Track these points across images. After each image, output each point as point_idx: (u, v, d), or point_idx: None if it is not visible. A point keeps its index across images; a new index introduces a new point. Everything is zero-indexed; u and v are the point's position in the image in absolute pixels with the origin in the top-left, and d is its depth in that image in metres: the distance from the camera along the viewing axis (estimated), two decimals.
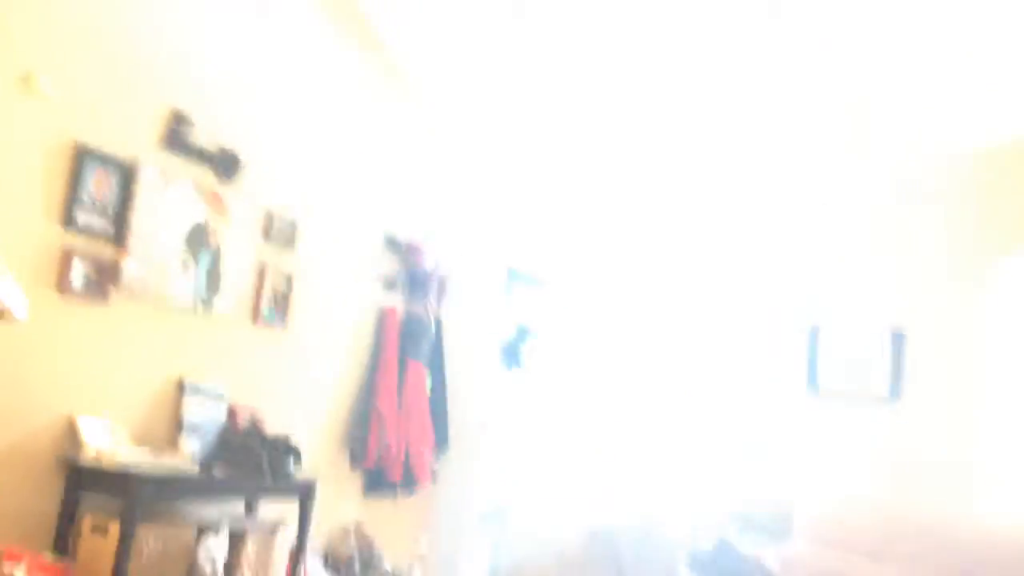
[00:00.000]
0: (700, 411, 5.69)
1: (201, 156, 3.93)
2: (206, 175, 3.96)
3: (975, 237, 5.06)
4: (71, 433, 3.34)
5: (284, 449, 3.84)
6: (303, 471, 4.06)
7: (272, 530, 3.97)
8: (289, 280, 4.43)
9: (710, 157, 5.60)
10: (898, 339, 5.18)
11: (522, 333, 5.95)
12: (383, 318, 5.06)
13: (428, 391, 5.28)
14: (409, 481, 5.08)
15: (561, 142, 5.76)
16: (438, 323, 5.39)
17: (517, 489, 3.09)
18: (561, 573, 2.63)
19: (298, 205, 4.48)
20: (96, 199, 3.46)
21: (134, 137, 3.61)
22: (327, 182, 4.68)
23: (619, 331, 6.12)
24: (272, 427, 4.11)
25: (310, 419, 4.62)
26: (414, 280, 5.31)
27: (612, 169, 6.00)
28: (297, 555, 4.02)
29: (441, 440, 5.33)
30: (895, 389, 5.12)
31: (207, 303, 3.95)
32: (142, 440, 3.63)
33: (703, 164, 5.71)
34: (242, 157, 4.11)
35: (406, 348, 5.13)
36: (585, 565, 2.51)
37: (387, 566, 4.71)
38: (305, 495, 4.05)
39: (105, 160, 3.48)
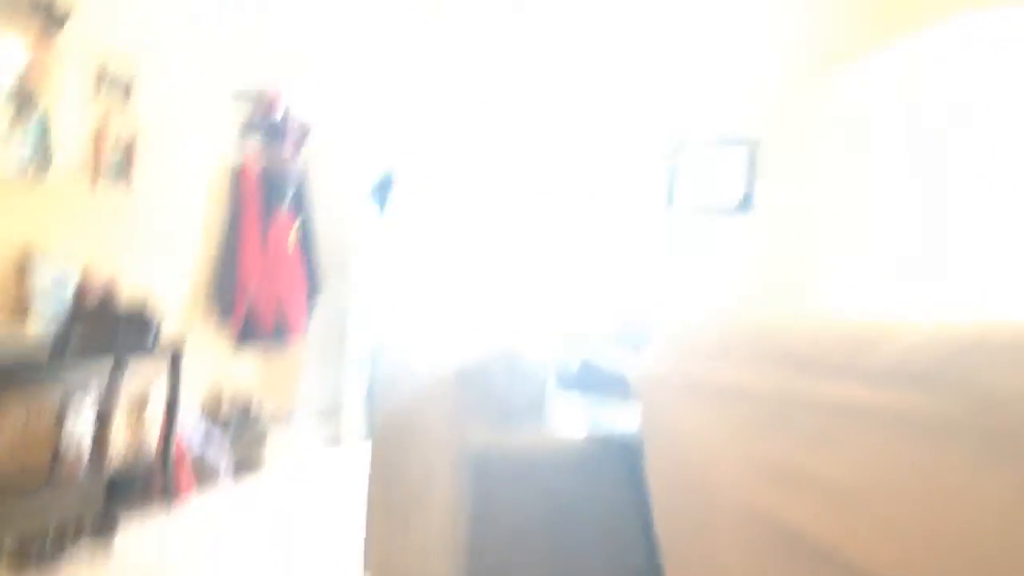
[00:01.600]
0: (562, 238, 5.81)
1: (18, 5, 3.60)
2: (27, 23, 3.64)
3: (823, 46, 5.15)
4: None
5: (139, 322, 3.76)
6: (169, 333, 4.01)
7: (141, 394, 3.94)
8: (132, 136, 4.21)
9: None
10: (750, 150, 5.33)
11: (388, 175, 5.87)
12: (240, 169, 4.90)
13: (296, 239, 5.22)
14: (282, 331, 5.09)
15: None
16: (302, 170, 5.26)
17: (389, 331, 3.15)
18: (435, 409, 2.71)
19: (137, 54, 4.20)
20: None
21: None
22: (169, 27, 4.38)
23: (482, 164, 6.11)
24: (130, 291, 4.01)
25: (172, 279, 4.52)
26: (272, 128, 5.12)
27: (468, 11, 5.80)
28: (169, 417, 4.02)
29: (312, 287, 5.32)
30: (747, 200, 5.33)
31: (40, 167, 3.73)
32: None
33: None
34: (65, 6, 3.79)
35: (268, 198, 5.02)
36: (457, 398, 2.59)
37: (266, 417, 4.78)
38: (172, 357, 4.01)
39: None
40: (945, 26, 4.55)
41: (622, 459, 2.36)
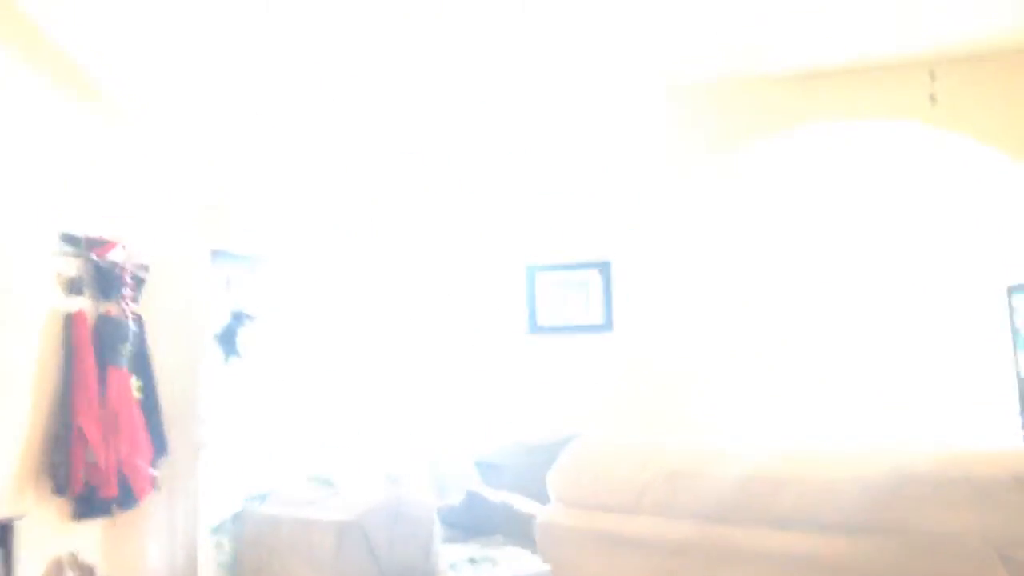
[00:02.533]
0: (426, 370, 5.71)
1: None
2: None
3: (668, 165, 5.39)
4: None
5: None
6: None
7: None
8: None
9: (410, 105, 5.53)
10: (605, 271, 5.46)
11: (238, 318, 5.60)
12: (70, 325, 4.53)
13: (137, 396, 4.84)
14: (127, 496, 4.64)
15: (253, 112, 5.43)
16: (138, 321, 4.93)
17: (254, 489, 2.90)
18: (309, 569, 2.49)
19: None
20: None
21: None
22: None
23: (337, 301, 5.97)
24: None
25: None
26: (103, 277, 4.80)
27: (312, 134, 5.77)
28: None
29: (158, 446, 4.91)
30: (607, 320, 5.42)
31: None
32: None
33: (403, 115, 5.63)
34: None
35: (103, 353, 4.64)
36: (334, 557, 2.38)
37: None
38: (3, 537, 3.57)
39: None
40: (785, 141, 4.87)
41: None
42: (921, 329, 4.87)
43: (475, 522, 3.45)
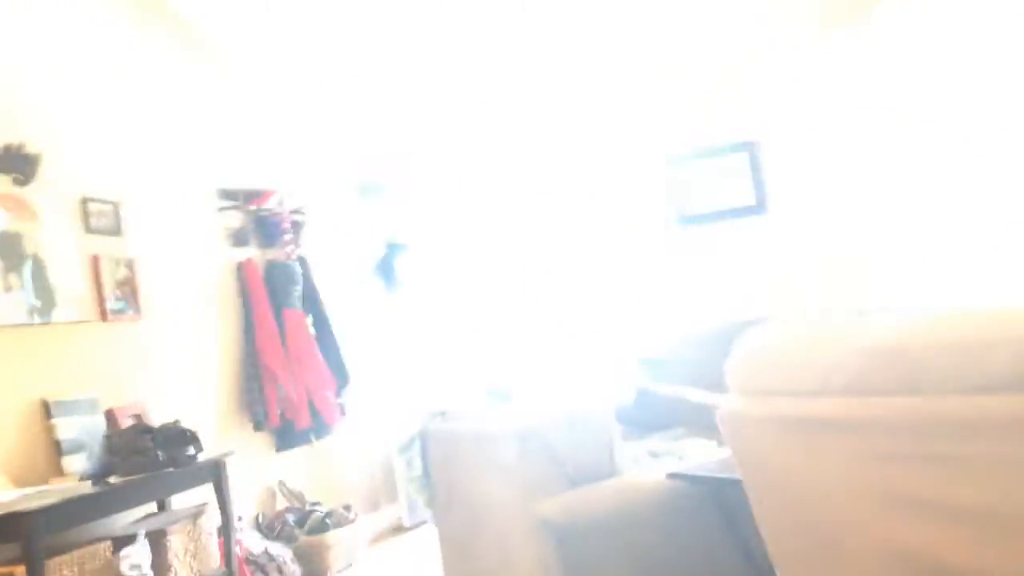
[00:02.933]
0: (582, 270, 5.71)
1: None
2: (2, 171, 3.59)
3: (799, 30, 5.05)
4: None
5: (177, 436, 3.66)
6: (208, 450, 3.90)
7: (193, 517, 3.82)
8: (129, 265, 4.13)
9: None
10: (752, 152, 5.23)
11: (393, 249, 5.79)
12: (243, 274, 4.82)
13: (313, 333, 5.12)
14: (320, 425, 4.97)
15: (397, 46, 5.46)
16: (303, 262, 5.18)
17: (435, 406, 3.05)
18: (499, 478, 2.59)
19: (116, 185, 4.14)
20: None
21: None
22: (140, 152, 4.33)
23: (489, 215, 6.03)
24: (160, 418, 3.90)
25: (199, 397, 4.42)
26: (264, 225, 5.06)
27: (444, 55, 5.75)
28: (226, 533, 3.90)
29: (341, 376, 5.21)
30: (760, 202, 5.21)
31: (44, 313, 3.64)
32: (22, 475, 3.38)
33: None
34: (35, 150, 3.74)
35: (276, 296, 4.92)
36: (521, 466, 2.46)
37: (322, 510, 4.65)
38: (216, 473, 3.90)
39: None
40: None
41: (707, 497, 2.23)
42: None
43: (650, 418, 3.48)
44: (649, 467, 2.74)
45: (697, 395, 3.06)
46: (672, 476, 2.28)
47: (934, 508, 1.29)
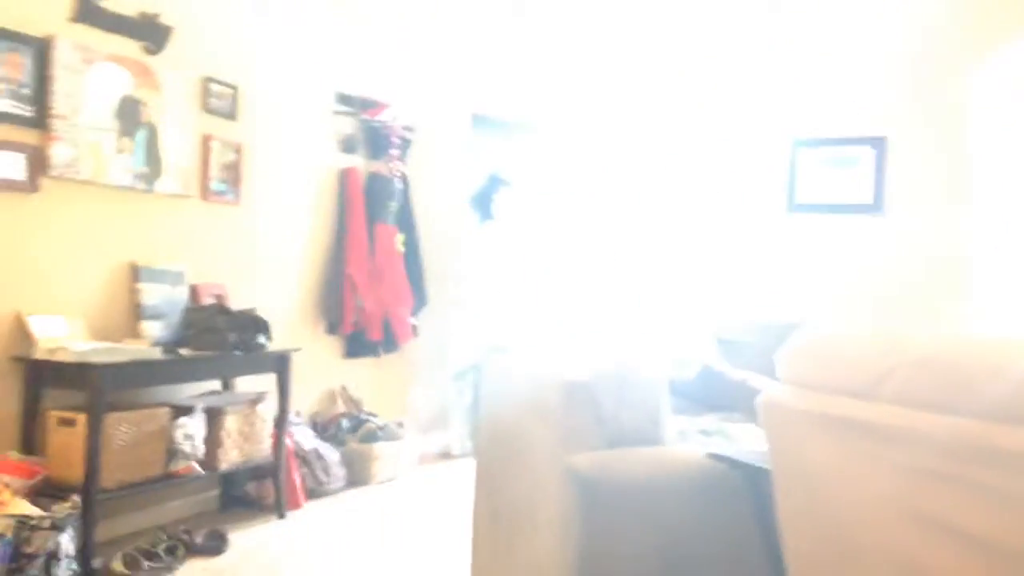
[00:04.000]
0: (677, 239, 5.59)
1: (120, 25, 3.68)
2: (129, 46, 3.71)
3: (952, 38, 4.77)
4: (22, 332, 3.25)
5: (251, 323, 3.78)
6: (277, 342, 4.02)
7: (252, 403, 3.95)
8: (237, 150, 4.25)
9: None
10: (880, 147, 4.97)
11: (493, 182, 5.77)
12: (344, 180, 4.89)
13: (401, 250, 5.18)
14: (390, 340, 5.05)
15: None
16: (404, 180, 5.22)
17: (495, 341, 3.07)
18: (541, 426, 2.58)
19: (238, 70, 4.23)
20: (10, 83, 3.24)
21: (43, 12, 3.36)
22: (267, 42, 4.41)
23: (593, 166, 5.94)
24: (239, 303, 4.03)
25: (280, 290, 4.54)
26: (374, 137, 5.10)
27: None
28: (280, 423, 4.03)
29: (419, 297, 5.27)
30: (878, 200, 4.98)
31: (149, 182, 3.78)
32: (102, 331, 3.55)
33: None
34: (168, 22, 3.84)
35: (372, 209, 4.99)
36: (565, 416, 2.45)
37: (376, 422, 4.75)
38: (281, 366, 4.01)
39: (13, 39, 3.25)
40: None
41: (745, 484, 2.17)
42: None
43: (710, 396, 3.40)
44: (695, 443, 2.68)
45: (761, 382, 2.96)
46: (711, 456, 2.22)
47: (957, 533, 1.21)
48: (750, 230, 5.31)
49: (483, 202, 5.72)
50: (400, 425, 4.91)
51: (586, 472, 2.30)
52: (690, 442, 2.70)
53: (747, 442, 2.65)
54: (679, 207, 5.65)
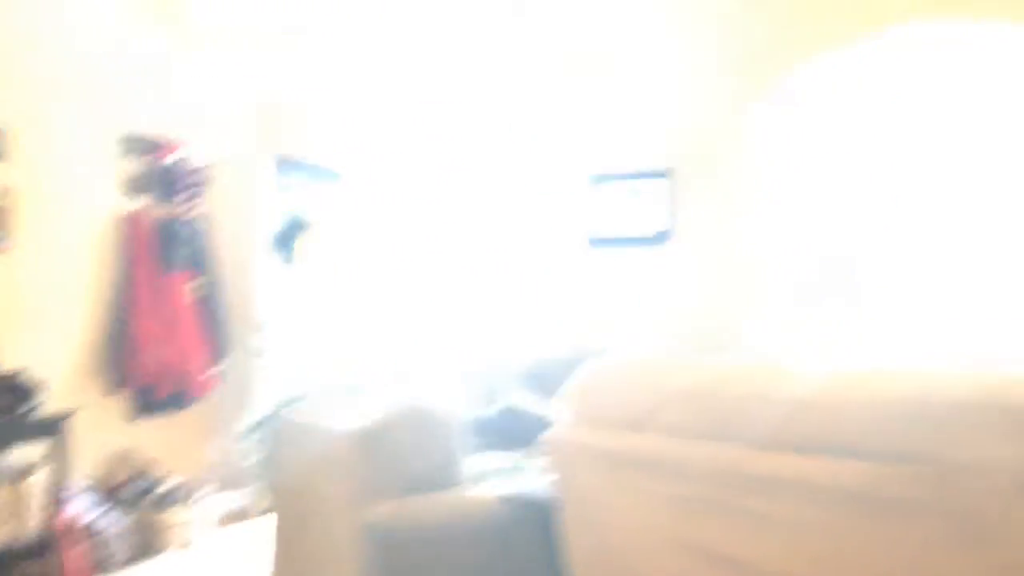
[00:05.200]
0: (486, 277, 5.61)
1: None
2: None
3: (731, 70, 5.06)
4: None
5: (11, 389, 3.42)
6: (53, 404, 3.66)
7: (21, 474, 3.57)
8: (6, 194, 3.88)
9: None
10: (667, 180, 5.19)
11: (295, 224, 5.59)
12: (131, 225, 4.57)
13: (197, 297, 4.89)
14: (183, 396, 4.72)
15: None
16: (200, 222, 4.94)
17: (290, 392, 2.91)
18: (333, 476, 2.45)
19: (5, 108, 3.88)
20: None
21: None
22: (43, 82, 4.08)
23: (395, 207, 5.89)
24: (11, 361, 3.65)
25: (58, 346, 4.16)
26: (165, 179, 4.81)
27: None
28: (57, 495, 3.66)
29: (218, 347, 4.98)
30: (670, 231, 5.18)
31: None
32: None
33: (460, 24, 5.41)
34: None
35: (163, 255, 4.68)
36: (357, 464, 2.33)
37: (169, 485, 4.42)
38: (56, 430, 3.66)
39: None
40: (872, 41, 4.50)
41: (540, 523, 2.13)
42: (992, 251, 4.48)
43: (512, 433, 3.39)
44: (492, 484, 2.63)
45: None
46: (503, 499, 2.17)
47: (723, 560, 1.22)
48: (556, 264, 5.40)
49: (285, 244, 5.52)
50: (196, 486, 4.59)
51: (380, 524, 2.20)
52: (488, 482, 2.65)
53: (544, 479, 2.63)
54: (487, 245, 5.67)
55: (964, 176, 4.54)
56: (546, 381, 4.12)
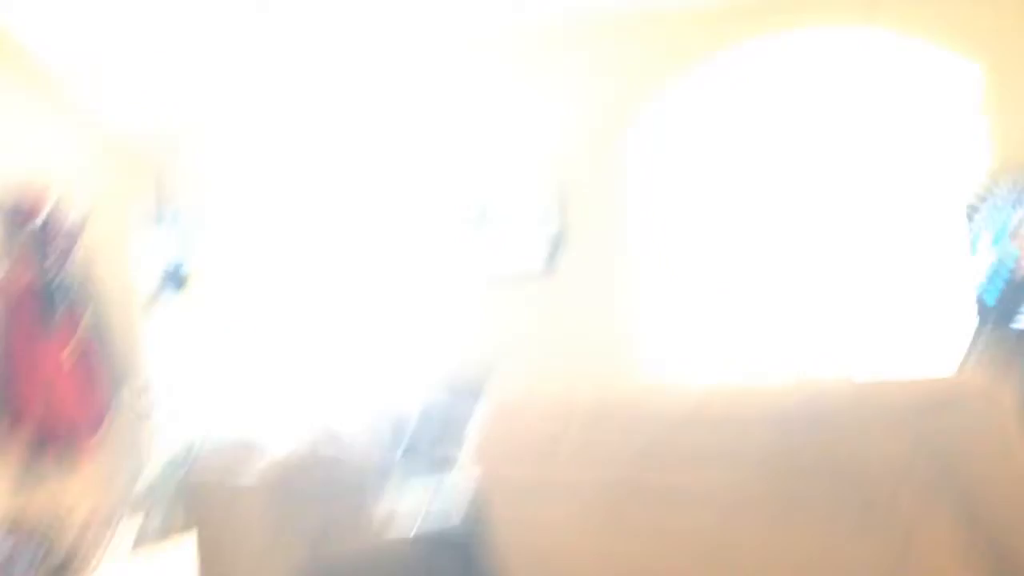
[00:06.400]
0: (367, 318, 5.57)
1: None
2: None
3: (605, 97, 5.17)
4: None
5: None
6: None
7: None
8: None
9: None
10: (552, 212, 5.23)
11: (175, 277, 5.45)
12: (2, 293, 4.37)
13: (78, 358, 4.69)
14: (72, 448, 4.53)
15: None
16: (75, 282, 4.76)
17: (187, 444, 2.82)
18: (246, 523, 2.39)
19: None
20: None
21: None
22: None
23: (280, 253, 5.79)
24: None
25: None
26: (34, 240, 4.62)
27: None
28: None
29: (102, 407, 4.80)
30: (550, 264, 5.18)
31: None
32: None
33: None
34: None
35: (41, 309, 4.50)
36: (264, 525, 2.28)
37: (65, 545, 4.22)
38: None
39: None
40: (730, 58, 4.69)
41: (459, 558, 2.13)
42: (877, 251, 4.76)
43: (415, 470, 3.39)
44: (408, 522, 2.62)
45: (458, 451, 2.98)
46: (416, 540, 2.18)
47: (631, 573, 1.29)
48: (444, 298, 5.38)
49: (166, 296, 5.38)
50: (103, 524, 4.39)
51: (298, 569, 2.16)
52: (400, 522, 2.64)
53: (459, 506, 2.63)
54: (375, 280, 5.62)
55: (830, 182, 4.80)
56: (430, 415, 4.13)
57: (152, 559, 4.51)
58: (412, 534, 2.26)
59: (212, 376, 5.53)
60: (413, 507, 2.85)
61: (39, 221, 4.62)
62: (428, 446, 3.51)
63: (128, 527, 4.83)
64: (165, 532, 2.93)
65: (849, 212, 4.81)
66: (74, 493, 4.68)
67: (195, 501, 2.67)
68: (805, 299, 4.83)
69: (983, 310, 4.16)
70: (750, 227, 4.95)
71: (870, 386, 1.12)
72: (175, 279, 5.42)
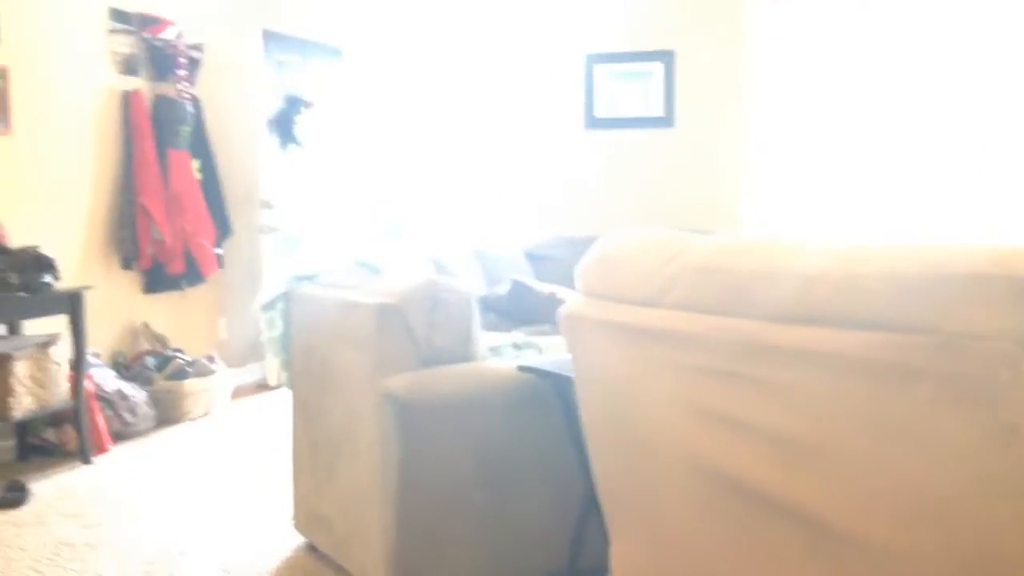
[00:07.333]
0: (481, 159, 5.62)
1: None
2: None
3: None
4: None
5: (33, 261, 3.51)
6: (67, 280, 3.76)
7: (43, 346, 3.70)
8: (3, 75, 3.86)
9: None
10: (668, 62, 5.14)
11: (293, 104, 5.56)
12: (128, 104, 4.56)
13: (198, 177, 4.92)
14: (193, 272, 4.83)
15: None
16: (195, 102, 4.93)
17: (302, 269, 2.98)
18: (353, 349, 2.57)
19: None
20: None
21: None
22: None
23: (394, 86, 5.84)
24: (19, 240, 3.72)
25: (65, 225, 4.22)
26: (157, 57, 4.76)
27: None
28: (78, 366, 3.80)
29: (222, 226, 5.06)
30: (668, 114, 5.17)
31: None
32: None
33: None
34: None
35: (162, 134, 4.69)
36: (376, 340, 2.45)
37: (184, 358, 4.57)
38: (73, 305, 3.76)
39: None
40: None
41: (555, 394, 2.28)
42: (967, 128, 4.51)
43: (521, 311, 3.52)
44: (506, 357, 2.78)
45: (569, 295, 3.09)
46: (521, 368, 2.31)
47: (741, 428, 1.34)
48: (551, 147, 5.40)
49: (284, 125, 5.51)
50: (211, 359, 4.75)
51: (401, 394, 2.34)
52: (502, 356, 2.80)
53: (557, 353, 2.76)
54: (482, 126, 5.65)
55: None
56: (548, 262, 4.24)
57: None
58: (514, 365, 2.40)
59: (325, 203, 5.71)
60: (515, 344, 3.01)
61: (164, 37, 4.75)
62: (526, 291, 3.62)
63: (247, 341, 5.18)
64: (286, 343, 3.14)
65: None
66: (198, 305, 5.03)
67: (311, 315, 2.86)
68: (920, 166, 4.67)
69: None
70: (867, 94, 4.74)
71: (999, 254, 1.10)
72: (294, 106, 5.54)
